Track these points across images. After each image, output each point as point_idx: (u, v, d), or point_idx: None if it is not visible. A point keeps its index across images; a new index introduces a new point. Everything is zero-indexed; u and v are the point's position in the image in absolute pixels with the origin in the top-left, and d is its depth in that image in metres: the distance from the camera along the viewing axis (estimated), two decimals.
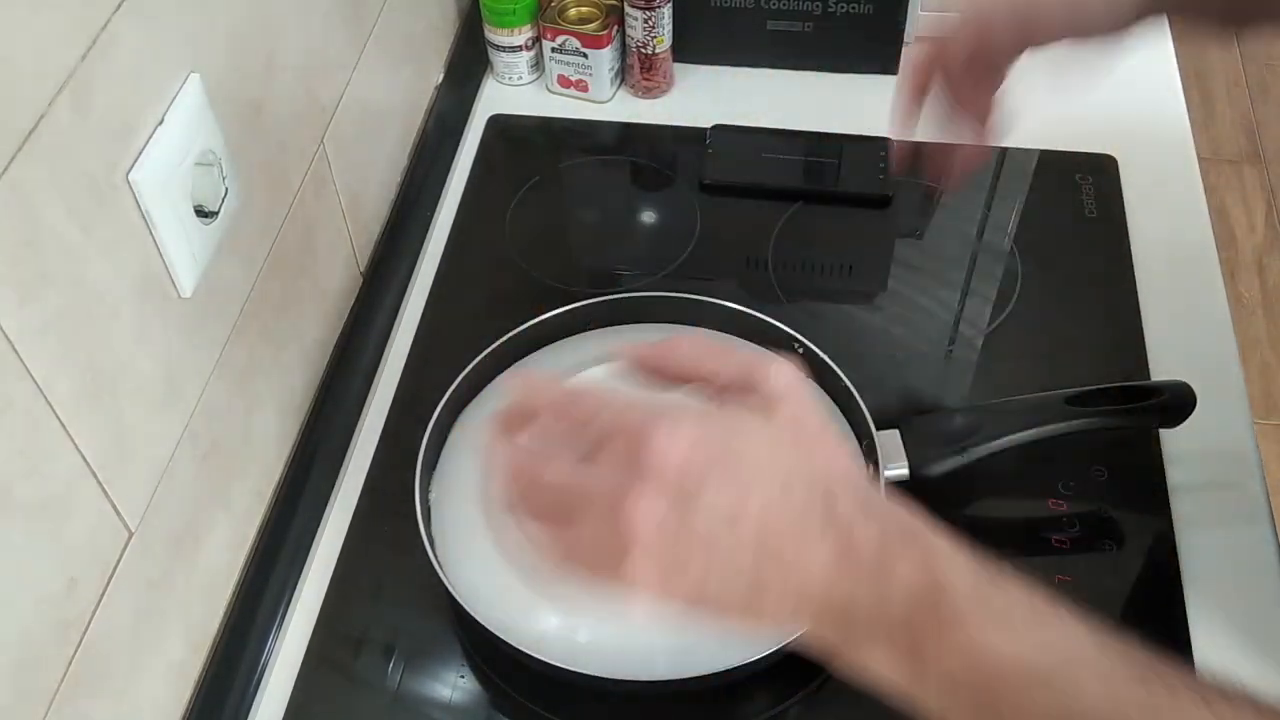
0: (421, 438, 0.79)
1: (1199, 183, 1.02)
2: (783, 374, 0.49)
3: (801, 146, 1.07)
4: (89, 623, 0.60)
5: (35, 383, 0.53)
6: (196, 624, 0.73)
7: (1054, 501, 0.81)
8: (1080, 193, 1.03)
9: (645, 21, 1.07)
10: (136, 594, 0.64)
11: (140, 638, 0.65)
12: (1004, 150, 1.07)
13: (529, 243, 1.01)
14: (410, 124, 1.06)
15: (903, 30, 1.11)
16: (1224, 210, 2.29)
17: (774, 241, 1.00)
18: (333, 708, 0.75)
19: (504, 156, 1.10)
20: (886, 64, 1.14)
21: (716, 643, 0.72)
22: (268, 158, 0.76)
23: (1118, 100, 1.11)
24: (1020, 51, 0.73)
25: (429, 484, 0.80)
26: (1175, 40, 0.73)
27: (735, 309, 0.86)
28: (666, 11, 1.08)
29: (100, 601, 0.61)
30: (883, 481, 0.77)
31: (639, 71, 1.11)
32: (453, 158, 1.09)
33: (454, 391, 0.82)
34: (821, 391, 0.81)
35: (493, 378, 0.86)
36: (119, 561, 0.62)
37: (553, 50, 1.10)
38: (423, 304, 0.97)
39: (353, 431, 0.89)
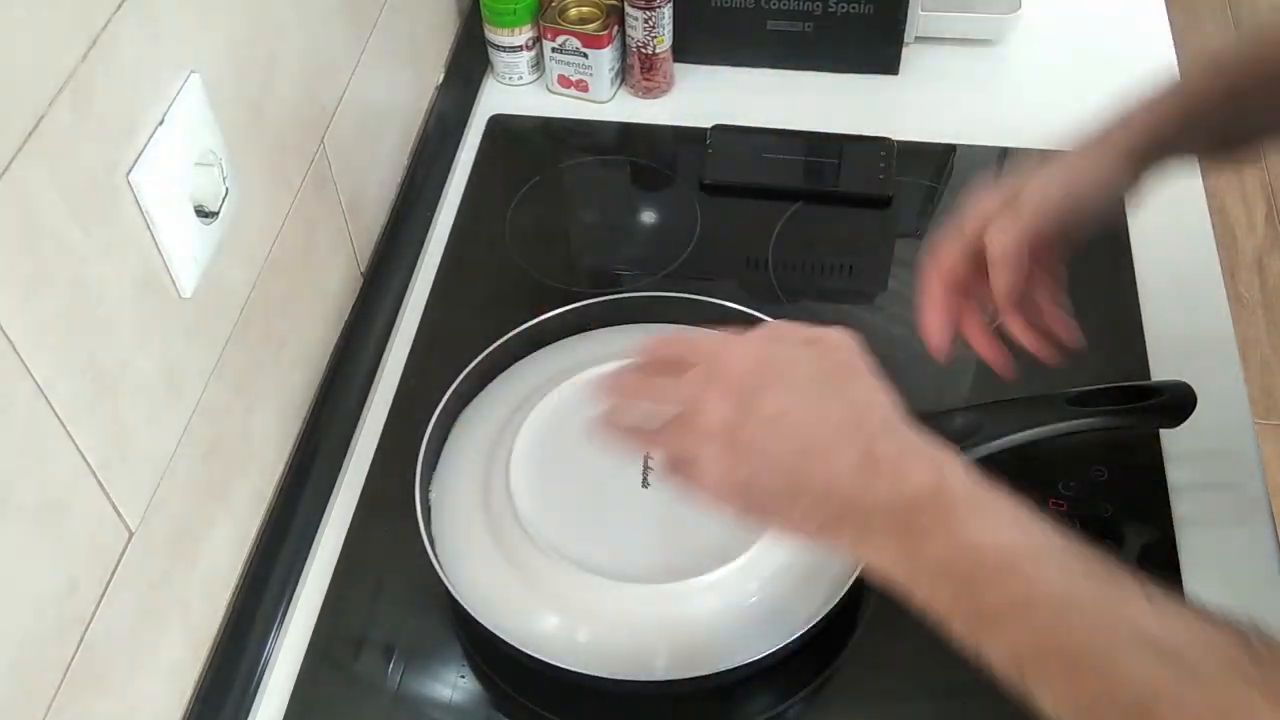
0: (421, 438, 0.79)
1: (1198, 182, 1.02)
2: (843, 334, 0.61)
3: (801, 146, 1.07)
4: (89, 622, 0.60)
5: (35, 383, 0.53)
6: (196, 624, 0.73)
7: (1054, 501, 0.81)
8: None
9: (645, 21, 1.07)
10: (137, 594, 0.64)
11: (140, 637, 0.65)
12: (1004, 150, 1.07)
13: (529, 243, 1.01)
14: (410, 124, 1.06)
15: (903, 30, 1.11)
16: (1224, 210, 2.29)
17: (774, 241, 1.00)
18: (333, 708, 0.75)
19: (504, 156, 1.10)
20: (886, 64, 1.14)
21: (716, 643, 0.72)
22: (268, 158, 0.76)
23: (1118, 100, 1.11)
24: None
25: (429, 484, 0.80)
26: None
27: (735, 309, 0.86)
28: (667, 11, 1.08)
29: (100, 601, 0.61)
30: None
31: (639, 71, 1.11)
32: (453, 158, 1.09)
33: (454, 391, 0.82)
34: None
35: (493, 378, 0.86)
36: (119, 561, 0.62)
37: (553, 50, 1.10)
38: (423, 304, 0.97)
39: (353, 431, 0.89)
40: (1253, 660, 0.45)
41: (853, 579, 0.73)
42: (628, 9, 1.07)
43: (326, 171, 0.86)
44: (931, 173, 1.07)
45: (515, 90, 1.15)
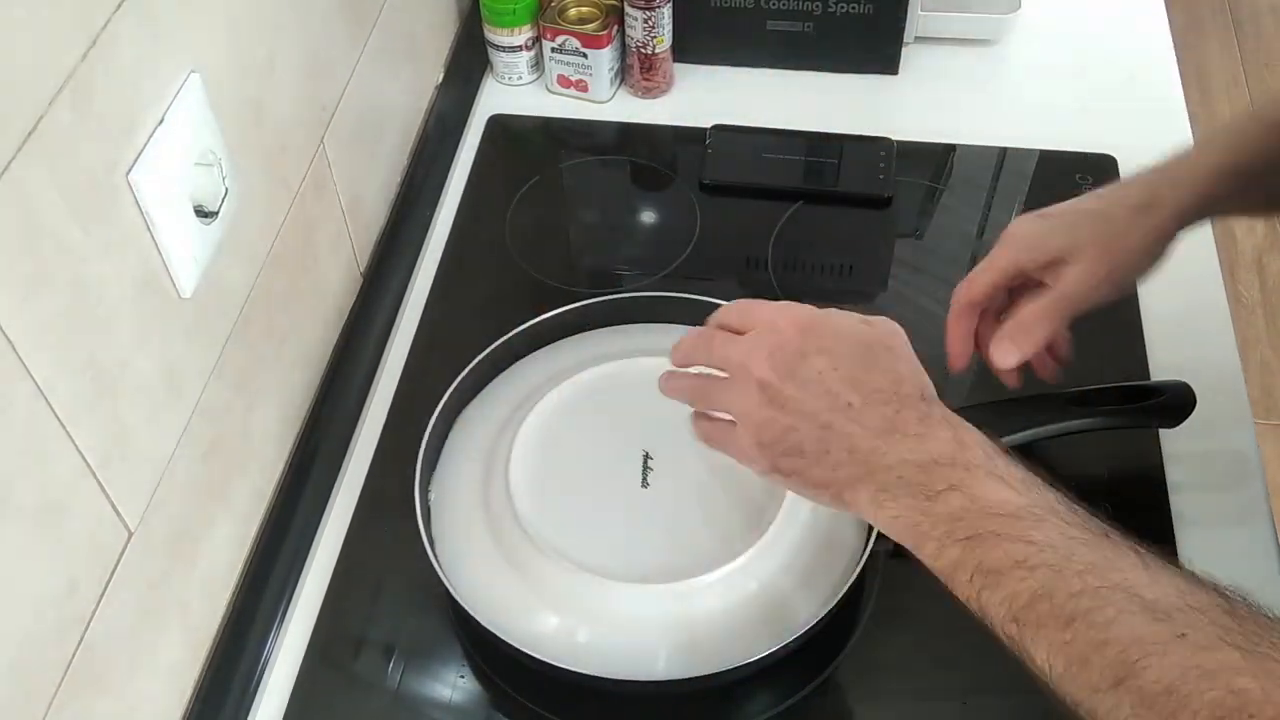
0: (421, 438, 0.79)
1: None
2: (893, 322, 0.66)
3: (801, 146, 1.07)
4: (89, 622, 0.60)
5: (35, 383, 0.53)
6: (196, 624, 0.73)
7: None
8: (1080, 193, 1.02)
9: (645, 21, 1.07)
10: (136, 594, 0.64)
11: (140, 637, 0.65)
12: (1004, 150, 1.07)
13: (529, 243, 1.01)
14: (410, 124, 1.06)
15: (902, 30, 1.11)
16: None
17: (774, 241, 1.00)
18: (333, 708, 0.75)
19: (504, 156, 1.10)
20: (886, 64, 1.14)
21: (716, 643, 0.72)
22: (268, 158, 0.76)
23: (1118, 100, 1.12)
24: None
25: (429, 484, 0.80)
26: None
27: None
28: (666, 11, 1.08)
29: (100, 601, 0.61)
30: None
31: (639, 71, 1.11)
32: (453, 158, 1.09)
33: (454, 391, 0.82)
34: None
35: (493, 378, 0.86)
36: (119, 561, 0.62)
37: (553, 50, 1.10)
38: (423, 304, 0.97)
39: (353, 431, 0.89)
40: (1236, 621, 0.48)
41: (853, 579, 0.73)
42: (627, 9, 1.07)
43: (326, 171, 0.86)
44: (931, 173, 1.07)
45: (515, 90, 1.15)
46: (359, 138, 0.92)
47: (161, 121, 0.62)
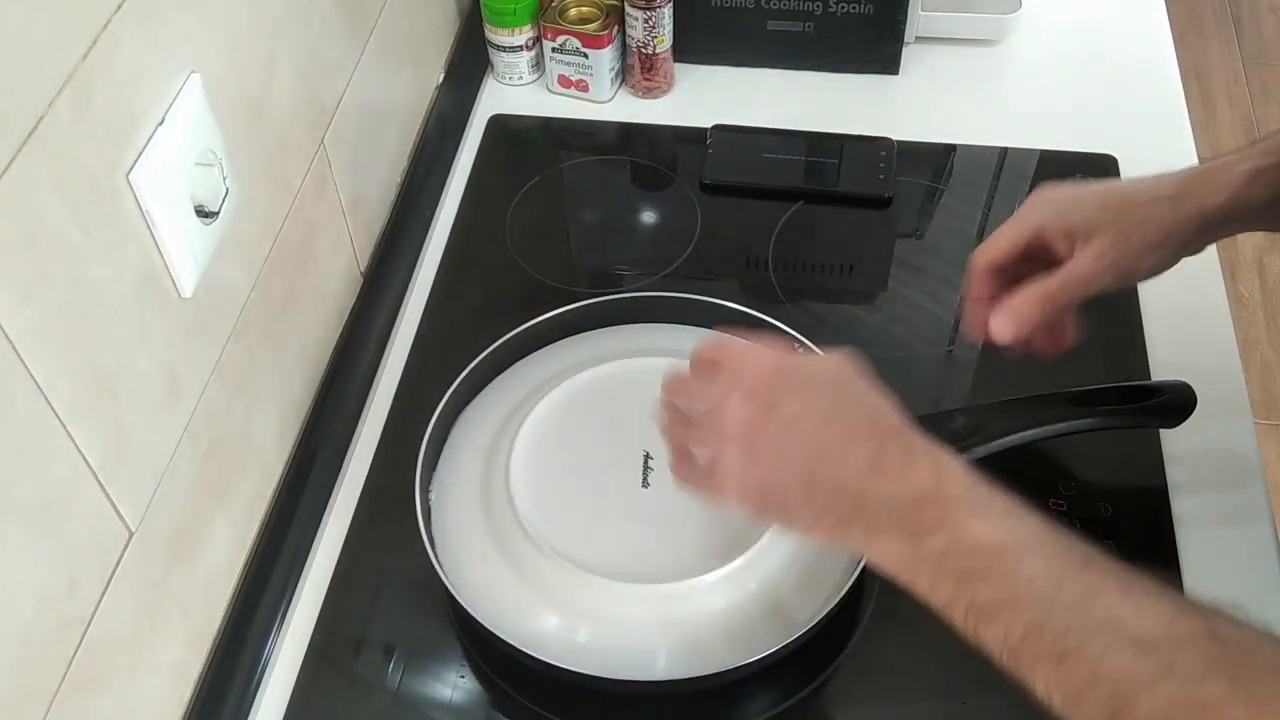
0: (421, 438, 0.79)
1: None
2: (845, 352, 0.65)
3: (801, 146, 1.07)
4: (89, 622, 0.60)
5: (35, 383, 0.53)
6: (196, 624, 0.73)
7: (1054, 501, 0.81)
8: None
9: (645, 21, 1.07)
10: (137, 594, 0.64)
11: (140, 637, 0.65)
12: (1004, 150, 1.07)
13: (529, 243, 1.01)
14: (410, 124, 1.06)
15: (903, 30, 1.11)
16: None
17: (774, 241, 1.00)
18: (333, 708, 0.75)
19: (504, 156, 1.10)
20: (886, 64, 1.14)
21: (716, 643, 0.72)
22: (268, 158, 0.76)
23: (1118, 100, 1.12)
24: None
25: (429, 484, 0.80)
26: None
27: (735, 309, 0.86)
28: (667, 11, 1.08)
29: (100, 601, 0.61)
30: None
31: (639, 71, 1.11)
32: (453, 158, 1.09)
33: (454, 391, 0.82)
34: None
35: (493, 378, 0.86)
36: (119, 561, 0.62)
37: (553, 50, 1.10)
38: (423, 304, 0.97)
39: (353, 431, 0.89)
40: (1221, 648, 0.48)
41: (853, 579, 0.73)
42: (628, 9, 1.07)
43: (326, 171, 0.86)
44: (931, 173, 1.07)
45: (515, 90, 1.15)
46: (359, 138, 0.92)
47: (162, 121, 0.62)
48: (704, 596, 0.73)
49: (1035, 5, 1.16)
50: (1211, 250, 0.94)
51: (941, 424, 0.78)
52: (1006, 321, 0.72)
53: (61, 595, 0.57)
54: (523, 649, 0.70)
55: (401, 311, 0.96)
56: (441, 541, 0.77)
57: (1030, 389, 0.81)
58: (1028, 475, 0.82)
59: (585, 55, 1.09)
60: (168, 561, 0.68)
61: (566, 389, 0.82)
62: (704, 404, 0.64)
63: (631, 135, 1.11)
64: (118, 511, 0.61)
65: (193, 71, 0.65)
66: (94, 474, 0.59)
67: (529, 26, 1.11)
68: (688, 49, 1.13)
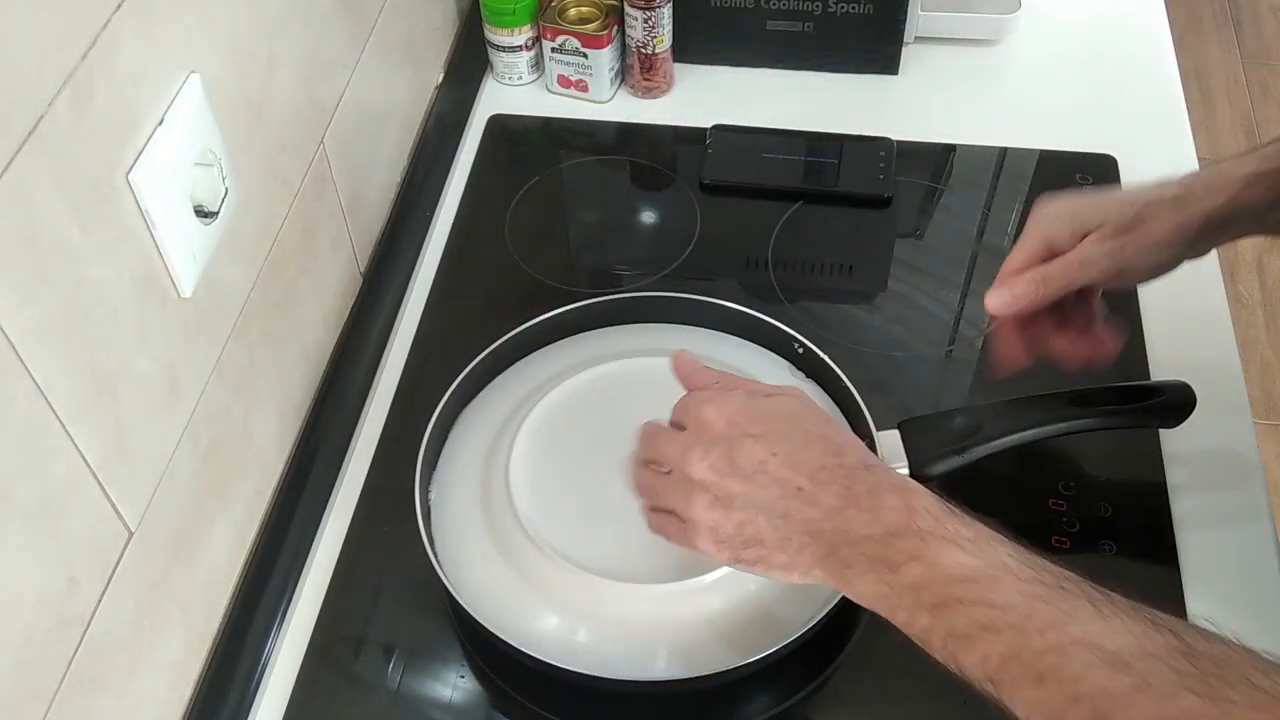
0: (421, 438, 0.79)
1: None
2: (797, 389, 0.68)
3: (801, 146, 1.07)
4: (89, 622, 0.60)
5: (35, 383, 0.53)
6: (196, 624, 0.73)
7: (1054, 501, 0.81)
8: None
9: (645, 21, 1.07)
10: (137, 594, 0.64)
11: (140, 637, 0.65)
12: (1004, 150, 1.07)
13: (529, 243, 1.01)
14: (410, 124, 1.06)
15: (902, 30, 1.11)
16: None
17: (774, 241, 1.00)
18: (333, 708, 0.75)
19: (504, 156, 1.10)
20: (886, 64, 1.14)
21: (716, 643, 0.72)
22: (268, 158, 0.76)
23: (1118, 100, 1.12)
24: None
25: (429, 484, 0.80)
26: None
27: (735, 309, 0.86)
28: (666, 11, 1.08)
29: (100, 601, 0.61)
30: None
31: (639, 71, 1.11)
32: (453, 158, 1.09)
33: (454, 391, 0.82)
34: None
35: (493, 378, 0.86)
36: (119, 561, 0.62)
37: (553, 50, 1.10)
38: (423, 304, 0.97)
39: (353, 431, 0.89)
40: (1193, 664, 0.49)
41: None
42: (627, 9, 1.07)
43: (326, 171, 0.86)
44: (931, 173, 1.07)
45: (515, 90, 1.15)
46: (359, 138, 0.92)
47: (161, 121, 0.62)
48: (704, 596, 0.73)
49: (1035, 5, 1.16)
50: (1211, 251, 0.94)
51: (941, 424, 0.78)
52: (1001, 294, 0.73)
53: (61, 595, 0.57)
54: (523, 649, 0.70)
55: (401, 311, 0.96)
56: (441, 541, 0.77)
57: (1030, 389, 0.81)
58: (1028, 475, 0.83)
59: (585, 55, 1.09)
60: (168, 561, 0.68)
61: (566, 389, 0.82)
62: (670, 462, 0.65)
63: (631, 135, 1.11)
64: (118, 511, 0.61)
65: (192, 71, 0.65)
66: (94, 474, 0.59)
67: (528, 26, 1.11)
68: (687, 49, 1.13)
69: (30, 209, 0.52)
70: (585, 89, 1.12)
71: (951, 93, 1.13)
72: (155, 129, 0.61)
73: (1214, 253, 0.97)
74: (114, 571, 0.62)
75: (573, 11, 1.10)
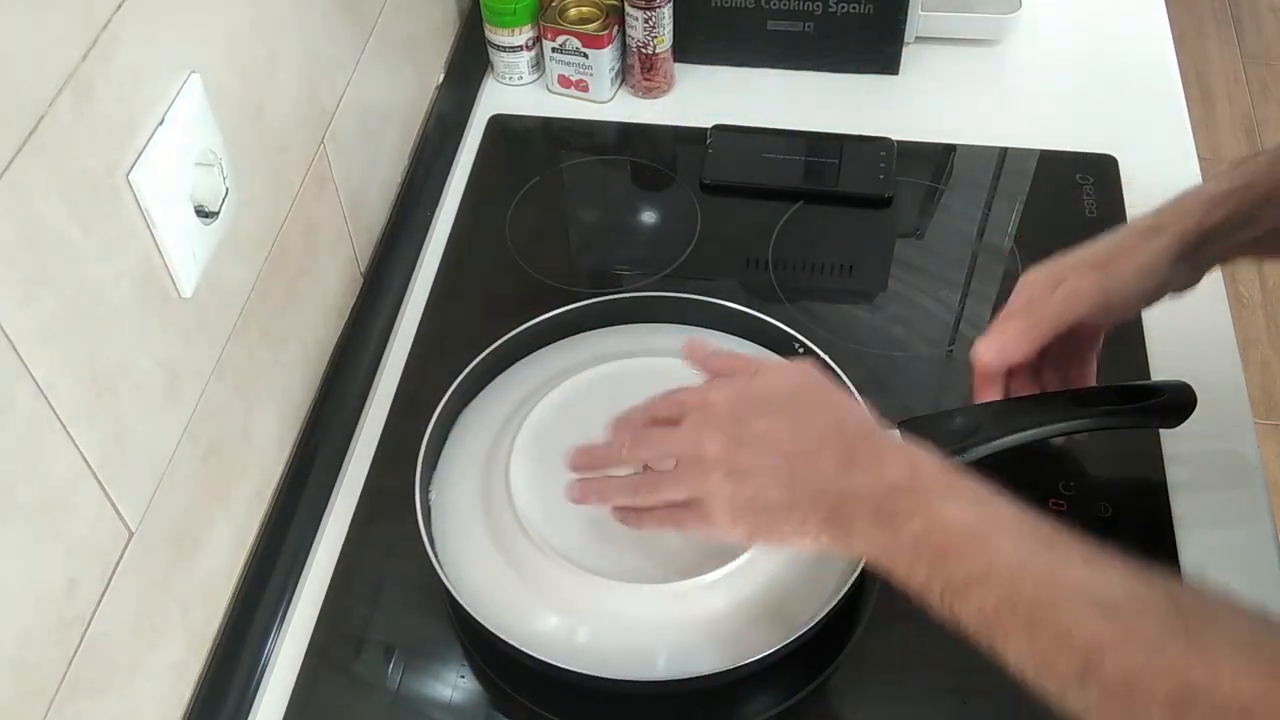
0: (421, 438, 0.79)
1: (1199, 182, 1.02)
2: (807, 363, 0.71)
3: (801, 146, 1.07)
4: (89, 622, 0.60)
5: (35, 383, 0.53)
6: (196, 624, 0.73)
7: (1054, 501, 0.81)
8: (1080, 193, 1.03)
9: (645, 21, 1.07)
10: (137, 594, 0.64)
11: (141, 637, 0.65)
12: (1004, 150, 1.07)
13: (529, 243, 1.01)
14: (410, 124, 1.06)
15: (902, 30, 1.11)
16: None
17: (774, 241, 1.00)
18: (333, 708, 0.75)
19: (504, 156, 1.10)
20: (886, 64, 1.14)
21: (716, 643, 0.72)
22: (268, 158, 0.76)
23: (1118, 100, 1.12)
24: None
25: (429, 484, 0.80)
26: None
27: (735, 309, 0.86)
28: (667, 11, 1.08)
29: (100, 601, 0.61)
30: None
31: (639, 71, 1.11)
32: (453, 158, 1.09)
33: (454, 391, 0.82)
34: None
35: (493, 378, 0.86)
36: (119, 561, 0.62)
37: (553, 50, 1.10)
38: (423, 304, 0.97)
39: (353, 431, 0.89)
40: (1180, 614, 0.52)
41: (853, 579, 0.73)
42: (628, 9, 1.07)
43: (326, 171, 0.86)
44: (931, 173, 1.07)
45: (515, 90, 1.15)
46: (359, 138, 0.92)
47: (162, 121, 0.62)
48: (704, 596, 0.73)
49: (1035, 5, 1.16)
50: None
51: (941, 424, 0.78)
52: (992, 341, 0.73)
53: (61, 595, 0.57)
54: (523, 649, 0.70)
55: (401, 311, 0.96)
56: (441, 541, 0.77)
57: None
58: (1028, 475, 0.82)
59: (585, 55, 1.09)
60: (168, 561, 0.68)
61: (566, 389, 0.82)
62: (677, 449, 0.67)
63: (631, 135, 1.11)
64: (118, 511, 0.61)
65: (193, 71, 0.65)
66: (94, 474, 0.59)
67: (529, 26, 1.11)
68: (688, 49, 1.13)
69: (30, 209, 0.52)
70: (586, 89, 1.12)
71: (951, 93, 1.13)
72: (155, 129, 0.61)
73: None
74: (114, 571, 0.62)
75: (573, 11, 1.10)
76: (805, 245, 1.00)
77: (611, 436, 0.71)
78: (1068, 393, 0.79)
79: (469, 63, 1.15)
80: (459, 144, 1.10)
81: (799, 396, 0.67)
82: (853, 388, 0.80)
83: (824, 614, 0.71)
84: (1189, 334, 0.92)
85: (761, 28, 1.12)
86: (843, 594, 0.72)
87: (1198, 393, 0.79)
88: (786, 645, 0.70)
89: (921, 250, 1.02)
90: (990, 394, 0.77)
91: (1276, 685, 0.49)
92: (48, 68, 0.53)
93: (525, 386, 0.85)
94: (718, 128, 1.08)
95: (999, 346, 0.74)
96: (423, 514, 0.76)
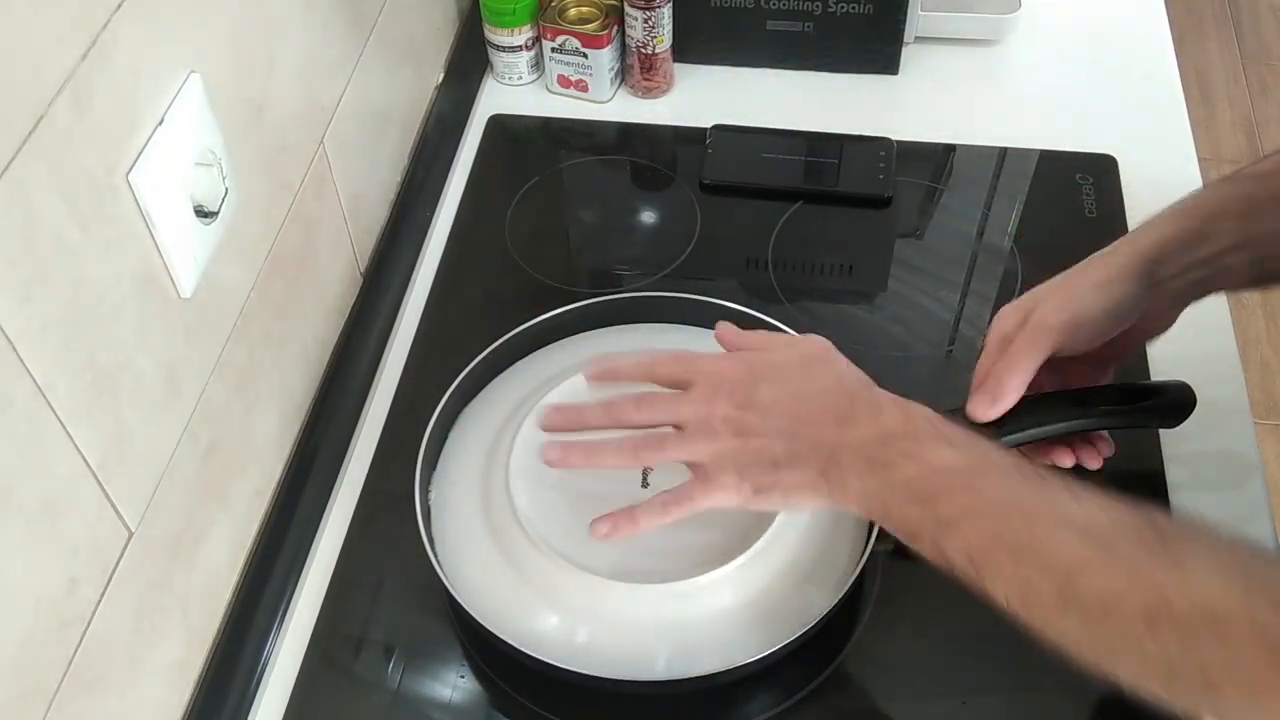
0: (421, 438, 0.79)
1: (1199, 183, 1.02)
2: (819, 337, 0.73)
3: (801, 146, 1.07)
4: (89, 622, 0.60)
5: (35, 383, 0.53)
6: (196, 624, 0.73)
7: None
8: (1080, 193, 1.03)
9: (645, 21, 1.07)
10: (136, 594, 0.64)
11: (140, 637, 0.65)
12: (1004, 150, 1.07)
13: (529, 243, 1.01)
14: (410, 124, 1.06)
15: (902, 30, 1.11)
16: None
17: (774, 241, 1.00)
18: (333, 708, 0.75)
19: (504, 156, 1.10)
20: (886, 64, 1.14)
21: (716, 643, 0.72)
22: (268, 158, 0.76)
23: (1118, 100, 1.12)
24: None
25: (429, 484, 0.80)
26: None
27: (735, 309, 0.86)
28: (666, 11, 1.08)
29: (100, 601, 0.61)
30: None
31: (639, 71, 1.11)
32: (453, 158, 1.09)
33: (454, 391, 0.82)
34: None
35: (493, 378, 0.86)
36: (119, 561, 0.62)
37: (553, 50, 1.10)
38: (423, 304, 0.97)
39: (353, 431, 0.89)
40: (1156, 534, 0.55)
41: (853, 579, 0.73)
42: (627, 9, 1.07)
43: (326, 171, 0.86)
44: (931, 173, 1.07)
45: (515, 90, 1.15)
46: (359, 138, 0.92)
47: (161, 121, 0.62)
48: (704, 596, 0.73)
49: (1035, 5, 1.16)
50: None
51: None
52: (982, 399, 0.72)
53: (61, 595, 0.57)
54: (523, 649, 0.70)
55: (401, 311, 0.97)
56: (441, 541, 0.77)
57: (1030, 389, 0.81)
58: None
59: (585, 55, 1.09)
60: (168, 561, 0.68)
61: (566, 389, 0.82)
62: (688, 412, 0.69)
63: (631, 135, 1.11)
64: (117, 511, 0.61)
65: (193, 71, 0.65)
66: (94, 474, 0.59)
67: (528, 26, 1.11)
68: (687, 49, 1.13)
69: (30, 209, 0.52)
70: (585, 89, 1.12)
71: (951, 93, 1.13)
72: (155, 129, 0.61)
73: None
74: (114, 571, 0.62)
75: (573, 11, 1.10)
76: (805, 245, 1.00)
77: (596, 396, 0.72)
78: (1068, 393, 0.79)
79: (469, 63, 1.15)
80: (459, 144, 1.10)
81: (802, 364, 0.70)
82: None
83: (824, 614, 0.71)
84: (1189, 334, 0.91)
85: (761, 28, 1.12)
86: (842, 594, 0.72)
87: (1198, 393, 0.79)
88: (786, 645, 0.70)
89: (921, 250, 1.02)
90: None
91: (1246, 596, 0.51)
92: (47, 68, 0.53)
93: (525, 386, 0.85)
94: (717, 128, 1.08)
95: (991, 401, 0.72)
96: (423, 514, 0.76)
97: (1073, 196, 1.02)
